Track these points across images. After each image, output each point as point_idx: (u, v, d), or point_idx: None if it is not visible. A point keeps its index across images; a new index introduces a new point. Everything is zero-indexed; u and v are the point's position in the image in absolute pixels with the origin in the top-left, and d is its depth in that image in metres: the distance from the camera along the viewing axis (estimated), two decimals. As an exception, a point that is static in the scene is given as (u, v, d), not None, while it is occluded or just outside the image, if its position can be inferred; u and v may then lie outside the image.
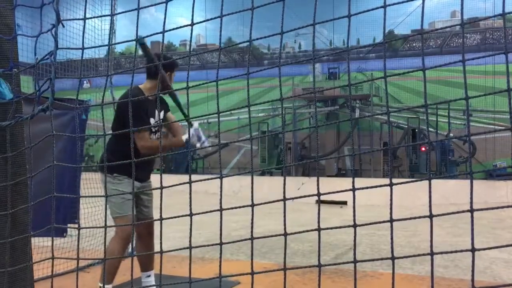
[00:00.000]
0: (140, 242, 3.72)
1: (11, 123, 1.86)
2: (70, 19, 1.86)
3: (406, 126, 16.66)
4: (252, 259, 1.62)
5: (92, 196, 3.72)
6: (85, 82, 18.81)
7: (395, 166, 16.08)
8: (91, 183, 5.26)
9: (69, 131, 4.57)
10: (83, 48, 1.72)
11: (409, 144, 16.36)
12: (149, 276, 3.74)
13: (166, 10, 1.57)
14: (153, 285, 3.64)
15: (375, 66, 18.25)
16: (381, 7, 1.46)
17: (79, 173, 4.72)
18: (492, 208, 1.43)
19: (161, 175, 1.69)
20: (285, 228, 1.59)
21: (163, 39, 1.60)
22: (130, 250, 5.42)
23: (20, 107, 2.04)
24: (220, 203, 1.61)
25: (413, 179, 1.63)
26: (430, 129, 15.63)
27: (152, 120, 3.56)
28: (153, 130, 3.64)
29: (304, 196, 1.66)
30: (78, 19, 1.79)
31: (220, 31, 1.60)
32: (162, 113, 3.71)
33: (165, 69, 3.57)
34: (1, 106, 2.01)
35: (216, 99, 1.56)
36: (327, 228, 1.54)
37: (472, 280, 1.36)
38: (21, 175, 1.99)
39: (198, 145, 3.49)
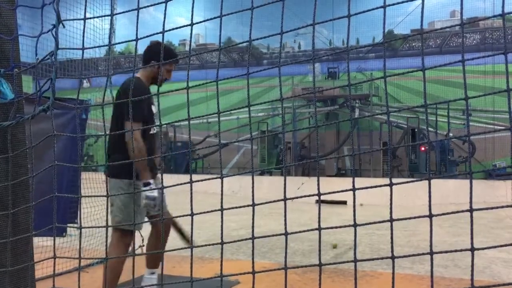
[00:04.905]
0: (156, 238, 3.61)
1: (12, 123, 1.85)
2: (70, 19, 1.86)
3: (406, 126, 16.66)
4: (252, 259, 1.62)
5: (89, 196, 3.73)
6: (85, 81, 18.82)
7: (394, 166, 16.08)
8: (91, 183, 5.26)
9: (69, 130, 4.57)
10: (83, 48, 1.72)
11: (408, 144, 16.36)
12: (153, 273, 3.68)
13: (165, 9, 1.58)
14: (155, 284, 3.59)
15: (375, 66, 18.25)
16: (381, 7, 1.47)
17: (79, 173, 4.72)
18: (492, 208, 1.43)
19: (161, 175, 1.70)
20: (285, 228, 1.59)
21: (163, 39, 1.61)
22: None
23: (21, 107, 2.04)
24: (221, 203, 1.61)
25: (412, 179, 1.63)
26: (430, 129, 15.64)
27: (154, 109, 3.51)
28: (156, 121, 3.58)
29: (304, 196, 1.66)
30: (78, 19, 1.79)
31: (220, 30, 1.61)
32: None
33: (156, 59, 3.40)
34: (2, 106, 2.00)
35: (216, 98, 1.56)
36: (327, 228, 1.55)
37: (472, 279, 1.37)
38: (22, 175, 1.99)
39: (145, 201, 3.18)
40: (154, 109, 3.53)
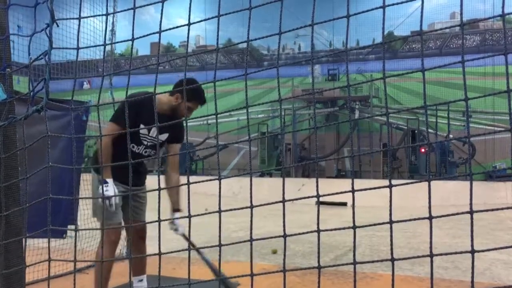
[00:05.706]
0: (132, 247, 3.64)
1: (4, 124, 1.84)
2: (64, 18, 1.85)
3: (406, 127, 16.66)
4: (251, 261, 1.61)
5: (87, 198, 3.73)
6: (85, 83, 18.83)
7: (394, 168, 16.08)
8: (91, 185, 5.24)
9: (69, 132, 4.56)
10: (78, 48, 1.71)
11: (408, 145, 16.37)
12: (141, 280, 3.67)
13: (162, 9, 1.57)
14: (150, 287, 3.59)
15: (375, 67, 18.26)
16: (380, 7, 1.46)
17: (77, 174, 4.70)
18: (492, 210, 1.42)
19: (158, 176, 1.69)
20: (284, 230, 1.58)
21: (159, 39, 1.60)
22: (124, 252, 5.40)
23: (12, 107, 2.01)
24: (219, 204, 1.61)
25: (412, 181, 1.63)
26: (430, 130, 15.64)
27: (144, 130, 3.43)
28: (145, 143, 3.51)
29: (304, 198, 1.65)
30: (73, 18, 1.78)
31: (218, 31, 1.60)
32: (165, 135, 3.56)
33: (181, 94, 3.41)
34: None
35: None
36: (327, 230, 1.54)
37: (472, 281, 1.36)
38: (14, 178, 1.96)
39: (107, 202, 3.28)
40: (144, 130, 3.45)
